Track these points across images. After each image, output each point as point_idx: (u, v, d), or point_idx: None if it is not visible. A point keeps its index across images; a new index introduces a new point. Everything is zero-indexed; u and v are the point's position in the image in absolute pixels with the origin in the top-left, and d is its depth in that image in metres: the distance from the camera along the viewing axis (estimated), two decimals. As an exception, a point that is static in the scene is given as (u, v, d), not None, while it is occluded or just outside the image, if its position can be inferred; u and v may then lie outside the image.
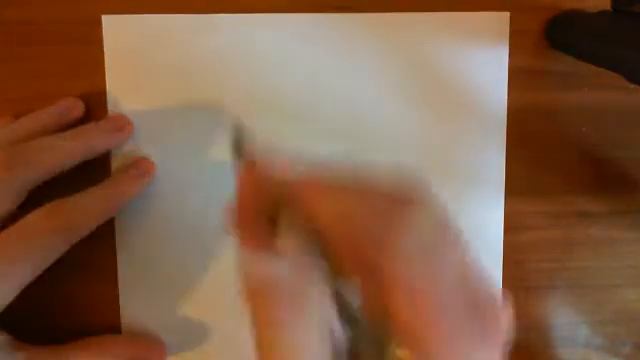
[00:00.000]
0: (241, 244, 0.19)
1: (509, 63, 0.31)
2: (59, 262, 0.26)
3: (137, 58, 0.30)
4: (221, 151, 0.31)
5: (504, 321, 0.18)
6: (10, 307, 0.25)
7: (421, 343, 0.16)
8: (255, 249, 0.18)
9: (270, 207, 0.19)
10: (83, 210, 0.26)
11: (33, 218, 0.25)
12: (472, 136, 0.31)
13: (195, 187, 0.31)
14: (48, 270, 0.25)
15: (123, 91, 0.30)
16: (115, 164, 0.30)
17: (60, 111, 0.29)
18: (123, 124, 0.29)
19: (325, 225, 0.17)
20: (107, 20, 0.29)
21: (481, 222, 0.32)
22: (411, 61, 0.31)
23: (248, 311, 0.18)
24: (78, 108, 0.29)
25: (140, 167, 0.30)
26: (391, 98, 0.31)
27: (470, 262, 0.18)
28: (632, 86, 0.31)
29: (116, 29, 0.29)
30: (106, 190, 0.27)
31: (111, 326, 0.31)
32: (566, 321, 0.33)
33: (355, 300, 0.18)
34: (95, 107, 0.30)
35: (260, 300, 0.18)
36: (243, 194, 0.19)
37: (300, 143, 0.30)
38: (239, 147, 0.22)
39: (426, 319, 0.16)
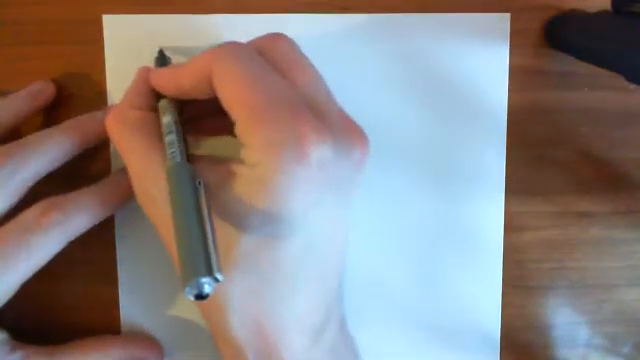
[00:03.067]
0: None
1: (509, 63, 0.31)
2: (59, 261, 0.26)
3: (137, 58, 0.30)
4: (220, 150, 0.30)
5: (360, 138, 0.23)
6: (9, 306, 0.25)
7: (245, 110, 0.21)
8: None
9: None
10: (80, 207, 0.26)
11: (30, 214, 0.25)
12: (472, 136, 0.31)
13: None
14: (48, 270, 0.25)
15: (123, 91, 0.30)
16: (115, 164, 0.30)
17: (31, 94, 0.29)
18: None
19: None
20: (107, 20, 0.29)
21: (481, 222, 0.32)
22: (411, 61, 0.31)
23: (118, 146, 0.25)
24: (49, 90, 0.29)
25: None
26: (391, 98, 0.31)
27: (324, 98, 0.24)
28: (632, 86, 0.31)
29: (116, 29, 0.30)
30: (104, 188, 0.27)
31: (111, 326, 0.31)
32: (566, 321, 0.33)
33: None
34: (95, 107, 0.30)
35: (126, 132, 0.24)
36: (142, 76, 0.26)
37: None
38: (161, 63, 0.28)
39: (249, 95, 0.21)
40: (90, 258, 0.31)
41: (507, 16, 0.31)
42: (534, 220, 0.32)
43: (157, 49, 0.28)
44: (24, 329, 0.29)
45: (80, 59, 0.30)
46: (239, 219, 0.22)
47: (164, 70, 0.26)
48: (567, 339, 0.33)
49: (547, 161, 0.32)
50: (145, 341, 0.31)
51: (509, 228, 0.32)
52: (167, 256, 0.31)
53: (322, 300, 0.24)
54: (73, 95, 0.30)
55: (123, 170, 0.29)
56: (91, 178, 0.28)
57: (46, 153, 0.26)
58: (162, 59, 0.28)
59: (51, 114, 0.30)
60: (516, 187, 0.32)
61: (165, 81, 0.25)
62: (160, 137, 0.24)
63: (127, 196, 0.28)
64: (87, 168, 0.30)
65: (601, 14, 0.28)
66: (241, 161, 0.22)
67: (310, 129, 0.21)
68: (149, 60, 0.30)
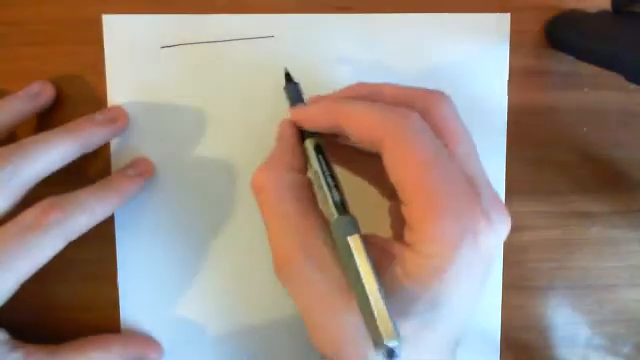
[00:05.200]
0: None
1: (509, 63, 0.31)
2: (59, 262, 0.26)
3: (137, 58, 0.30)
4: (221, 151, 0.31)
5: (506, 218, 0.22)
6: (9, 306, 0.25)
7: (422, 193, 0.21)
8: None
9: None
10: (80, 207, 0.26)
11: (30, 214, 0.25)
12: (472, 136, 0.31)
13: (195, 187, 0.31)
14: (48, 270, 0.25)
15: (123, 91, 0.30)
16: (115, 164, 0.30)
17: (30, 95, 0.29)
18: (117, 115, 0.29)
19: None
20: (107, 20, 0.29)
21: (481, 222, 0.32)
22: (412, 61, 0.31)
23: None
24: (48, 91, 0.29)
25: (138, 167, 0.30)
26: (391, 98, 0.31)
27: (479, 172, 0.23)
28: (632, 86, 0.31)
29: (116, 29, 0.30)
30: (103, 188, 0.27)
31: (111, 326, 0.31)
32: (566, 321, 0.33)
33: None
34: (95, 107, 0.30)
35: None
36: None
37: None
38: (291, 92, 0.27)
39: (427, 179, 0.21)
40: (90, 258, 0.31)
41: (507, 16, 0.31)
42: (534, 220, 0.32)
43: (284, 69, 0.27)
44: (24, 329, 0.29)
45: (80, 59, 0.30)
46: (400, 304, 0.21)
47: (319, 112, 0.24)
48: (567, 339, 0.33)
49: (547, 161, 0.32)
50: (145, 340, 0.31)
51: (509, 228, 0.32)
52: (167, 256, 0.31)
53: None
54: (73, 95, 0.30)
55: (121, 170, 0.29)
56: (91, 178, 0.28)
57: (45, 156, 0.26)
58: (291, 84, 0.27)
59: (51, 114, 0.30)
60: (516, 187, 0.32)
61: (321, 121, 0.24)
62: (313, 203, 0.23)
63: (127, 196, 0.28)
64: (87, 168, 0.30)
65: (601, 14, 0.28)
66: (408, 245, 0.22)
67: (485, 223, 0.21)
68: (149, 60, 0.30)
